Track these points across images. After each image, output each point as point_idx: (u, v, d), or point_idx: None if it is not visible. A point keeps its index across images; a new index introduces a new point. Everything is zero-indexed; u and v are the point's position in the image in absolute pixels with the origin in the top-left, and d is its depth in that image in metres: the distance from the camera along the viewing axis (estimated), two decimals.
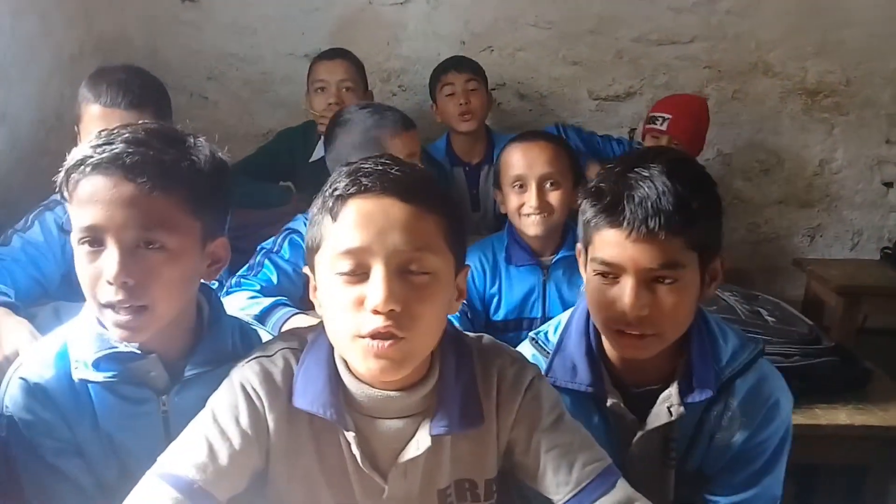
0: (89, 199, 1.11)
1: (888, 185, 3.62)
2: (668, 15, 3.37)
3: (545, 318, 2.10)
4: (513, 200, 2.10)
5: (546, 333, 1.46)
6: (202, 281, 1.28)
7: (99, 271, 1.13)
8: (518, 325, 2.12)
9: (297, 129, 2.96)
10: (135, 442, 1.24)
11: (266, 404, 1.10)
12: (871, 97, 3.48)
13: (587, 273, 1.32)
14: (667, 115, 2.98)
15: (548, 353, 1.41)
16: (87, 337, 1.21)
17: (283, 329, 1.83)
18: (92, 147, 1.13)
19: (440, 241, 1.07)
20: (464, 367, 1.15)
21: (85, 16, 2.90)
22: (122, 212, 1.10)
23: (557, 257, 2.12)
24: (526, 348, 1.46)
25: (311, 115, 2.87)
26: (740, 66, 3.44)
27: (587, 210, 1.29)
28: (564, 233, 2.14)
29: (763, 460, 1.33)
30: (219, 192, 1.22)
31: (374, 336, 1.01)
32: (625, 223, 1.21)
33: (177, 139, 1.19)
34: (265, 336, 1.39)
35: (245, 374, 1.12)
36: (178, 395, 1.25)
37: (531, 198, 2.05)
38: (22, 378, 1.20)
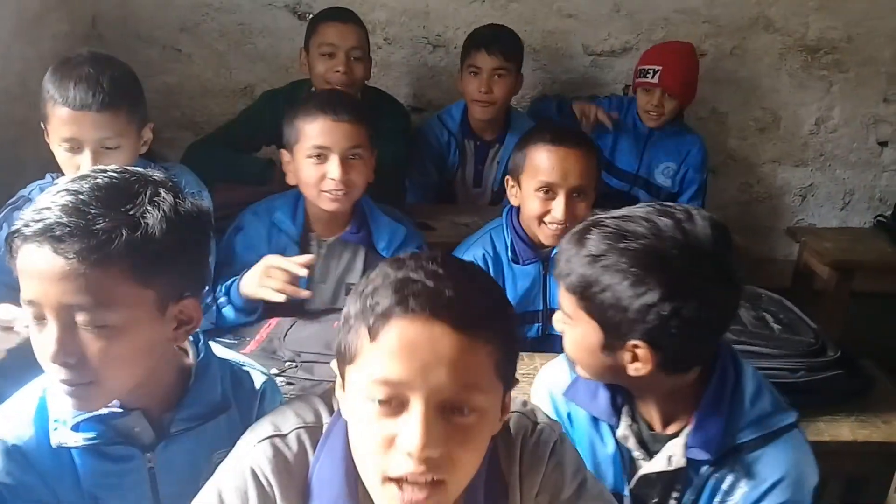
0: (24, 271, 1.02)
1: (883, 144, 3.56)
2: None
3: (546, 311, 2.06)
4: (535, 205, 1.97)
5: None
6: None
7: (45, 345, 1.04)
8: (521, 319, 2.05)
9: (282, 92, 2.78)
10: (120, 501, 1.18)
11: (278, 494, 1.02)
12: (872, 55, 3.38)
13: None
14: (657, 67, 2.86)
15: None
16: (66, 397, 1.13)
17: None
18: (32, 211, 1.03)
19: (491, 376, 0.94)
20: (488, 449, 1.05)
21: None
22: (55, 288, 1.00)
23: (557, 250, 2.04)
24: (561, 361, 1.46)
25: (313, 77, 2.68)
26: (740, 20, 3.30)
27: None
28: None
29: None
30: (181, 251, 1.09)
31: (405, 481, 0.91)
32: None
33: (126, 196, 1.05)
34: (257, 376, 1.31)
35: (256, 457, 1.03)
36: (165, 451, 1.18)
37: (559, 209, 1.94)
38: (0, 439, 1.12)
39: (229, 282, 1.89)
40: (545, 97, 3.19)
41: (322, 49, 2.64)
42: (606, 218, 1.26)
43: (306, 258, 1.83)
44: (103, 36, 3.08)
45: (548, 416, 1.17)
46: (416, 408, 0.89)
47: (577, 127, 2.88)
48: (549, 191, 1.96)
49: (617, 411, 1.34)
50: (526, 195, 2.00)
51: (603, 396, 1.34)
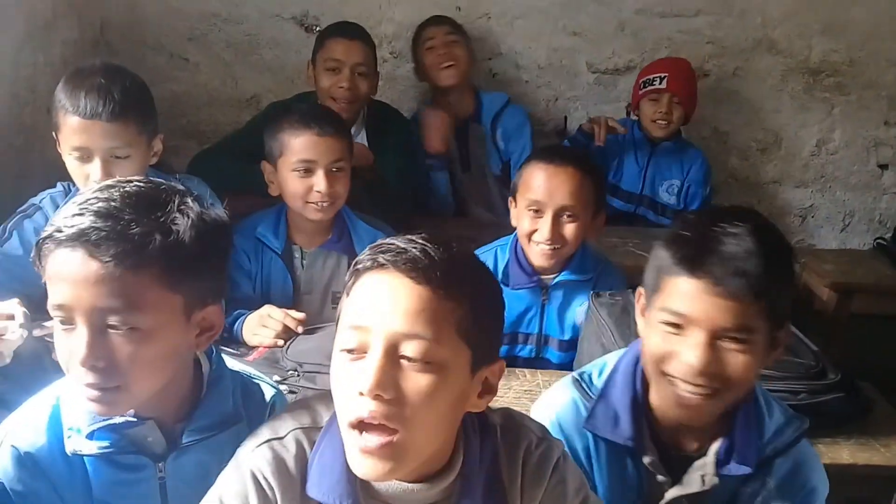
0: (56, 275, 1.03)
1: (883, 166, 3.59)
2: None
3: (541, 335, 2.07)
4: (525, 223, 1.97)
5: (591, 375, 1.38)
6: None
7: (71, 350, 1.05)
8: (513, 339, 2.06)
9: (288, 104, 2.75)
10: None
11: (279, 495, 1.03)
12: (874, 78, 3.42)
13: (650, 319, 1.26)
14: (663, 74, 2.93)
15: (591, 397, 1.34)
16: (81, 405, 1.13)
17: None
18: (63, 217, 1.04)
19: (451, 332, 0.97)
20: (487, 451, 1.08)
21: None
22: (89, 292, 1.02)
23: (558, 279, 2.02)
24: (568, 389, 1.39)
25: (318, 91, 2.70)
26: (744, 42, 3.34)
27: (663, 255, 1.22)
28: (570, 256, 2.03)
29: None
30: (206, 259, 1.11)
31: (362, 425, 0.95)
32: (707, 276, 1.16)
33: (156, 204, 1.07)
34: (267, 389, 1.32)
35: (255, 461, 1.04)
36: (176, 461, 1.18)
37: (544, 229, 1.92)
38: (13, 446, 1.12)
39: (231, 318, 1.93)
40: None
41: (327, 64, 2.65)
42: (718, 213, 1.27)
43: (301, 315, 1.91)
44: (111, 43, 3.10)
45: (553, 435, 1.18)
46: (374, 350, 0.95)
47: (594, 147, 2.90)
48: (537, 210, 1.95)
49: (640, 436, 1.31)
50: (519, 213, 2.00)
51: (625, 419, 1.31)
